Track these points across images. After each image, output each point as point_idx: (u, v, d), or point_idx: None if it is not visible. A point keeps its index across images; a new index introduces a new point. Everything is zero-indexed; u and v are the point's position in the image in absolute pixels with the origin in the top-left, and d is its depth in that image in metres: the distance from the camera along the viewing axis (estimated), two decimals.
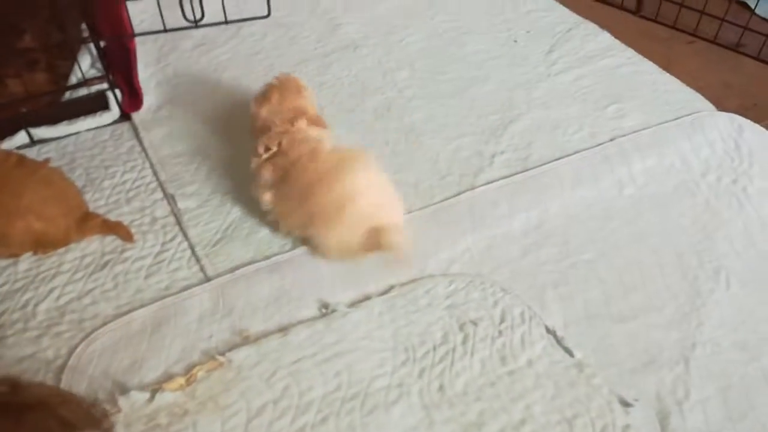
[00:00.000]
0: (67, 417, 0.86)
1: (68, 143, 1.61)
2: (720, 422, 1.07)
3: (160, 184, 1.49)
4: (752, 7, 2.13)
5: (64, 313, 1.24)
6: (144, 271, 1.31)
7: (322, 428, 1.05)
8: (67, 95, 1.66)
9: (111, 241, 1.37)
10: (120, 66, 1.66)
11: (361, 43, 1.95)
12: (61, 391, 0.99)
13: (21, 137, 1.59)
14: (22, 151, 1.56)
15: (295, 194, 1.25)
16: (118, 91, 1.66)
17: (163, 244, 1.37)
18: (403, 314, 1.22)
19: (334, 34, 1.99)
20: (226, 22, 1.98)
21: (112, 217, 1.42)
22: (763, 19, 2.09)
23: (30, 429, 0.82)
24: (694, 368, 1.14)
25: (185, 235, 1.38)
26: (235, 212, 1.42)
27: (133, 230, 1.39)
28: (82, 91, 1.66)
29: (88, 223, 1.34)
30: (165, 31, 1.89)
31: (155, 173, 1.52)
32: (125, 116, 1.68)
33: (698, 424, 1.07)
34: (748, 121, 1.67)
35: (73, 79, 1.66)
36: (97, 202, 1.46)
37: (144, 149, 1.58)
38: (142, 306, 1.24)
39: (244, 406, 1.08)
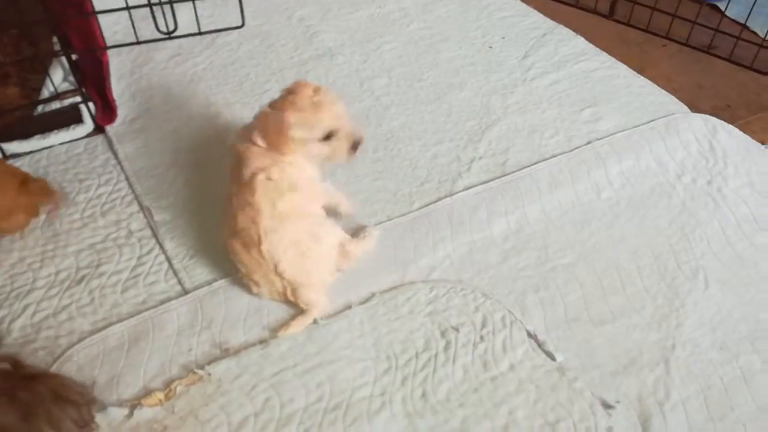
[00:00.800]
0: (61, 390, 0.89)
1: (41, 157, 1.58)
2: (701, 422, 1.08)
3: (136, 197, 1.48)
4: (723, 9, 2.16)
5: (40, 329, 1.22)
6: (120, 285, 1.29)
7: None
8: (40, 109, 1.64)
9: (87, 256, 1.35)
10: (93, 79, 1.64)
11: (338, 51, 1.95)
12: (58, 374, 1.02)
13: None
14: None
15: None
16: (91, 104, 1.64)
17: (140, 257, 1.35)
18: (385, 322, 1.22)
19: (311, 42, 1.99)
20: (200, 33, 1.97)
21: (88, 231, 1.40)
22: (734, 21, 2.13)
23: (27, 396, 0.83)
24: (675, 369, 1.15)
25: (162, 248, 1.36)
26: (212, 224, 1.40)
27: (109, 244, 1.38)
28: (55, 105, 1.63)
29: (30, 185, 1.35)
30: (138, 43, 1.88)
31: (131, 186, 1.50)
32: (99, 129, 1.66)
33: (680, 424, 1.07)
34: (722, 122, 1.69)
35: (46, 93, 1.64)
36: (72, 216, 1.44)
37: (119, 162, 1.56)
38: (119, 321, 1.22)
39: (225, 420, 1.07)
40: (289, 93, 1.22)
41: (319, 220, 1.25)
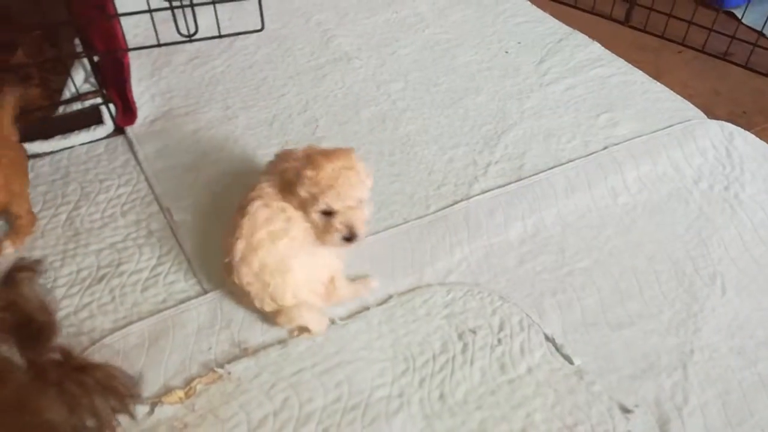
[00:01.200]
0: (109, 381, 0.90)
1: (62, 157, 1.60)
2: (720, 427, 1.07)
3: (156, 198, 1.49)
4: (739, 16, 2.16)
5: (61, 327, 1.23)
6: (141, 285, 1.31)
7: None
8: (61, 110, 1.66)
9: (107, 255, 1.36)
10: (114, 80, 1.66)
11: (355, 55, 1.96)
12: (107, 365, 1.03)
13: None
14: None
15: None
16: (111, 106, 1.66)
17: (159, 257, 1.36)
18: (402, 324, 1.22)
19: (328, 46, 2.00)
20: (220, 36, 1.99)
21: (108, 231, 1.42)
22: (751, 28, 2.12)
23: (75, 387, 0.85)
24: (693, 374, 1.15)
25: (181, 248, 1.37)
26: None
27: (129, 243, 1.39)
28: (76, 106, 1.65)
29: None
30: (159, 45, 1.90)
31: (150, 186, 1.52)
32: (119, 130, 1.68)
33: (698, 429, 1.07)
34: (739, 128, 1.69)
35: (67, 94, 1.66)
36: (92, 215, 1.45)
37: (139, 163, 1.58)
38: (139, 319, 1.24)
39: (245, 419, 1.07)
40: (328, 151, 1.17)
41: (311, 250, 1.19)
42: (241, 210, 1.19)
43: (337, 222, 1.14)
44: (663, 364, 1.16)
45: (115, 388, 0.92)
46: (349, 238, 1.15)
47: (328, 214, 1.15)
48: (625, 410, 1.09)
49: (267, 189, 1.19)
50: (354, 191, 1.14)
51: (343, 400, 1.10)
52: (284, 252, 1.15)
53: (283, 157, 1.24)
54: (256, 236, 1.15)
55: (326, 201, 1.13)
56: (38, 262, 0.98)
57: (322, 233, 1.16)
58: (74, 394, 0.85)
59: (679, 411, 1.09)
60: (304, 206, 1.16)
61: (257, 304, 1.18)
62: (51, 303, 0.92)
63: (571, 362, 1.16)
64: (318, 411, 1.09)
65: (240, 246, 1.15)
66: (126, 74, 1.65)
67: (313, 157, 1.15)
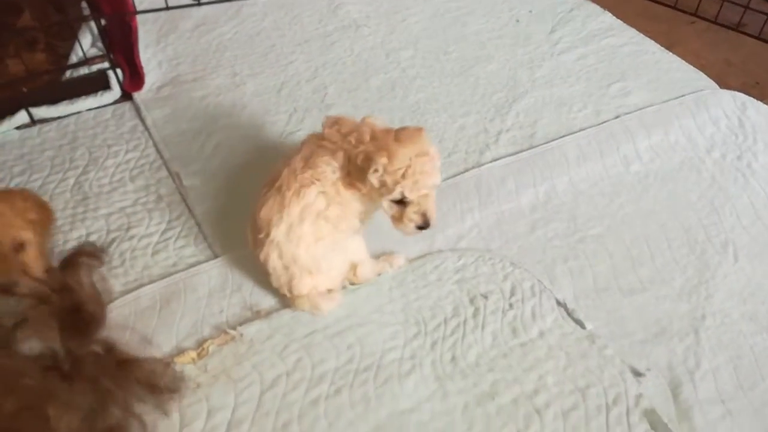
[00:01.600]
0: (151, 377, 0.92)
1: (69, 123, 1.59)
2: (731, 391, 1.08)
3: (165, 163, 1.48)
4: None
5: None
6: (151, 249, 1.30)
7: (336, 399, 1.05)
8: (68, 75, 1.64)
9: (117, 219, 1.36)
10: (121, 45, 1.64)
11: (363, 23, 1.94)
12: (151, 360, 1.01)
13: (21, 117, 1.57)
14: (23, 131, 1.56)
15: None
16: (119, 71, 1.64)
17: (169, 221, 1.35)
18: (413, 289, 1.22)
19: (336, 14, 1.98)
20: None
21: (117, 195, 1.41)
22: None
23: (110, 383, 0.84)
24: (705, 339, 1.15)
25: (191, 213, 1.37)
26: (241, 190, 1.41)
27: (138, 208, 1.39)
28: (83, 71, 1.63)
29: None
30: (168, 8, 1.87)
31: (159, 152, 1.51)
32: (126, 96, 1.66)
33: (710, 392, 1.07)
34: (752, 98, 1.67)
35: (74, 58, 1.64)
36: (101, 180, 1.44)
37: (147, 128, 1.57)
38: (150, 282, 1.23)
39: (257, 379, 1.08)
40: (399, 133, 1.08)
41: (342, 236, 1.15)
42: (283, 185, 1.10)
43: (411, 211, 1.09)
44: (675, 329, 1.16)
45: (156, 385, 0.90)
46: (423, 226, 1.10)
47: (401, 202, 1.09)
48: (637, 373, 1.09)
49: (328, 173, 1.10)
50: (429, 179, 1.07)
51: (355, 362, 1.10)
52: (321, 253, 1.12)
53: (335, 127, 1.13)
54: (300, 229, 1.09)
55: (401, 191, 1.06)
56: (102, 249, 0.96)
57: (394, 221, 1.11)
58: (109, 389, 0.83)
59: (691, 375, 1.09)
60: (373, 192, 1.09)
61: (273, 283, 1.16)
62: (105, 294, 0.89)
63: (583, 327, 1.16)
64: (330, 372, 1.09)
65: (281, 229, 1.09)
66: (134, 38, 1.63)
67: (384, 142, 1.07)
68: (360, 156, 1.07)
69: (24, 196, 1.17)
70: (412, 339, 1.14)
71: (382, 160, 1.05)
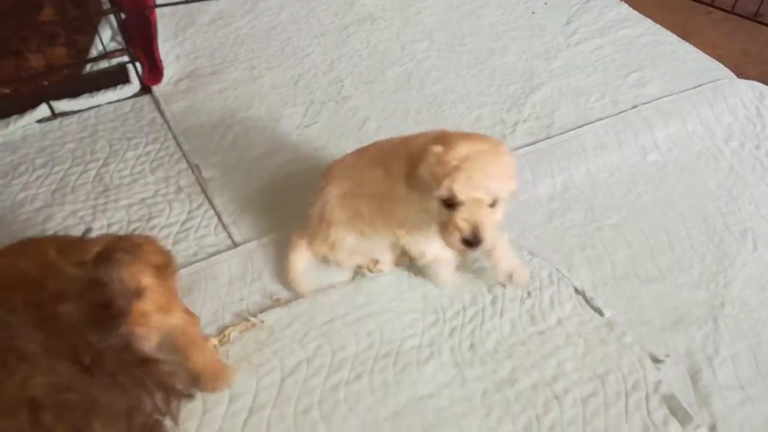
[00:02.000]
0: (166, 379, 0.88)
1: (90, 116, 1.61)
2: (750, 377, 1.08)
3: (184, 155, 1.50)
4: None
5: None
6: (172, 238, 1.32)
7: (356, 385, 1.06)
8: (88, 68, 1.67)
9: (137, 210, 1.38)
10: (140, 38, 1.66)
11: (379, 15, 1.94)
12: (168, 361, 0.96)
13: (43, 110, 1.59)
14: (44, 124, 1.58)
15: None
16: (138, 64, 1.66)
17: (190, 212, 1.37)
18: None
19: (351, 7, 1.98)
20: None
21: (138, 187, 1.43)
22: None
23: (127, 380, 0.84)
24: (723, 326, 1.15)
25: (211, 203, 1.38)
26: (260, 180, 1.42)
27: (159, 199, 1.40)
28: (103, 64, 1.66)
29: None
30: (186, 2, 1.89)
31: (178, 144, 1.53)
32: (145, 90, 1.68)
33: (729, 379, 1.07)
34: None
35: (94, 52, 1.66)
36: (121, 172, 1.46)
37: (166, 121, 1.59)
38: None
39: (278, 365, 1.09)
40: (467, 135, 0.98)
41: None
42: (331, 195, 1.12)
43: (460, 218, 0.92)
44: (693, 317, 1.16)
45: (173, 387, 0.90)
46: (471, 242, 0.93)
47: (451, 205, 0.94)
48: (656, 360, 1.09)
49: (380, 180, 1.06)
50: (489, 181, 0.91)
51: (374, 348, 1.11)
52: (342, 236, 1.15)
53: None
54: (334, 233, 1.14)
55: (450, 185, 0.91)
56: (138, 246, 0.93)
57: (439, 226, 0.96)
58: (126, 387, 0.83)
59: (710, 361, 1.09)
60: (424, 191, 0.95)
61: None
62: (137, 292, 0.88)
63: (601, 314, 1.16)
64: (350, 358, 1.10)
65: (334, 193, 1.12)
66: (153, 32, 1.65)
67: (448, 136, 0.97)
68: (419, 145, 0.97)
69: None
70: (430, 326, 1.15)
71: (437, 149, 0.93)
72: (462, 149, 0.92)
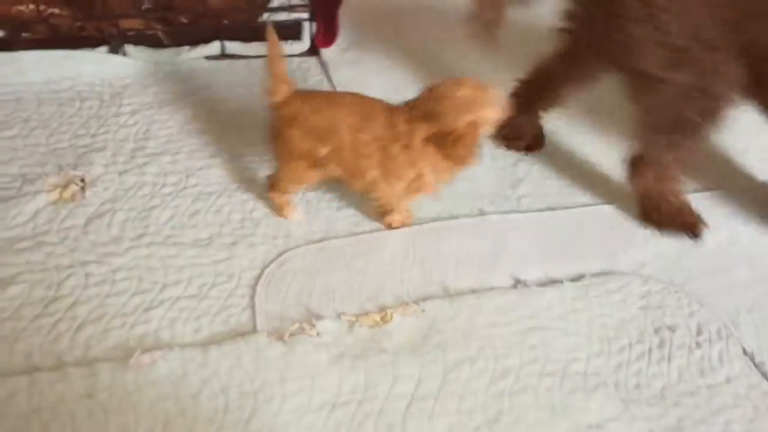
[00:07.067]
0: None
1: (257, 64, 1.61)
2: None
3: None
4: None
5: (258, 225, 1.24)
6: (335, 203, 1.30)
7: (521, 398, 1.03)
8: (264, 17, 1.66)
9: None
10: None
11: None
12: None
13: (213, 48, 1.59)
14: (212, 62, 1.58)
15: None
16: (313, 24, 1.65)
17: None
18: (597, 305, 1.19)
19: None
20: None
21: None
22: None
23: None
24: None
25: None
26: None
27: None
28: (280, 16, 1.65)
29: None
30: None
31: None
32: (312, 51, 1.67)
33: None
34: None
35: (275, 2, 1.65)
36: None
37: (333, 86, 1.58)
38: (335, 237, 1.24)
39: (440, 357, 1.06)
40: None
41: None
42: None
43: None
44: None
45: None
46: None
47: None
48: None
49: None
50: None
51: (539, 363, 1.08)
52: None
53: None
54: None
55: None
56: None
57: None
58: None
59: None
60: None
61: None
62: None
63: None
64: (515, 368, 1.07)
65: None
66: None
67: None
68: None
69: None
70: (595, 356, 1.11)
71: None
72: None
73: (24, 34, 1.42)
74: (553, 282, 1.22)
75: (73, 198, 1.21)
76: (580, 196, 1.39)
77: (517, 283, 1.20)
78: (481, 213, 1.32)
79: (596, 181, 1.42)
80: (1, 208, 1.17)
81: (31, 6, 1.36)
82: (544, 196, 1.37)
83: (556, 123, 1.52)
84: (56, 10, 1.39)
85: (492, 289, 1.18)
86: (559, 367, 1.08)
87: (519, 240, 1.28)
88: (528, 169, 1.43)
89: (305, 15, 1.63)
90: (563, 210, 1.35)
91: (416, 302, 1.14)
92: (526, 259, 1.25)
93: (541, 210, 1.34)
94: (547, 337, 1.12)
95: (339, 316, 1.10)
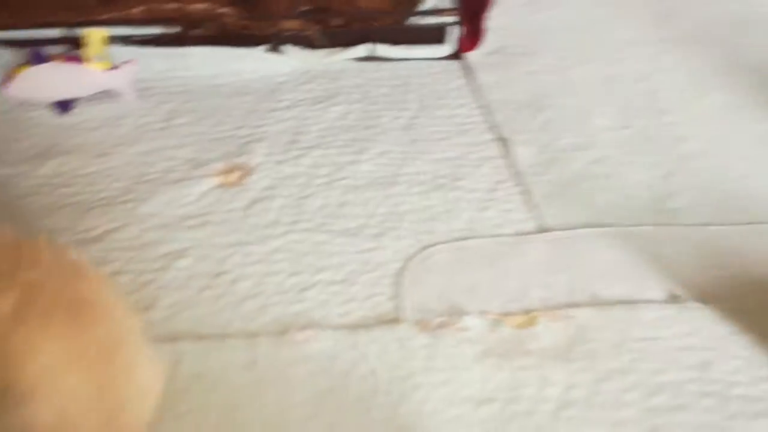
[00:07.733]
0: None
1: (402, 67, 1.65)
2: None
3: (492, 127, 1.48)
4: None
5: (402, 219, 1.26)
6: (476, 204, 1.30)
7: (678, 415, 0.97)
8: (410, 21, 1.70)
9: (444, 167, 1.38)
10: (472, 3, 1.66)
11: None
12: None
13: (362, 50, 1.64)
14: (359, 64, 1.63)
15: None
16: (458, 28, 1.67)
17: (497, 182, 1.35)
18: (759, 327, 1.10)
19: (669, 21, 1.87)
20: None
21: (444, 145, 1.43)
22: None
23: None
24: None
25: (519, 180, 1.35)
26: (573, 171, 1.37)
27: (465, 162, 1.39)
28: (428, 20, 1.68)
29: None
30: None
31: (485, 115, 1.51)
32: (455, 54, 1.68)
33: None
34: None
35: (426, 5, 1.68)
36: (429, 128, 1.48)
37: (475, 90, 1.58)
38: (476, 237, 1.23)
39: (590, 366, 1.02)
40: None
41: None
42: None
43: None
44: None
45: None
46: None
47: None
48: None
49: None
50: None
51: (697, 383, 1.01)
52: None
53: None
54: None
55: None
56: None
57: None
58: None
59: None
60: None
61: None
62: None
63: None
64: (670, 384, 1.01)
65: None
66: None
67: None
68: None
69: None
70: (759, 380, 1.03)
71: None
72: None
73: (195, 31, 1.54)
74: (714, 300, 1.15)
75: (236, 183, 1.28)
76: (741, 213, 1.30)
77: (673, 297, 1.14)
78: (635, 224, 1.27)
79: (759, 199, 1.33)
80: (173, 189, 1.27)
81: (206, 5, 1.47)
82: (701, 208, 1.30)
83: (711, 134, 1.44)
84: (227, 10, 1.50)
85: (646, 301, 1.13)
86: (718, 388, 1.01)
87: (678, 253, 1.21)
88: (682, 182, 1.36)
89: (453, 18, 1.65)
90: (722, 226, 1.27)
91: (563, 308, 1.11)
92: (683, 271, 1.18)
93: (698, 225, 1.27)
94: (707, 358, 1.05)
95: (483, 313, 1.10)
